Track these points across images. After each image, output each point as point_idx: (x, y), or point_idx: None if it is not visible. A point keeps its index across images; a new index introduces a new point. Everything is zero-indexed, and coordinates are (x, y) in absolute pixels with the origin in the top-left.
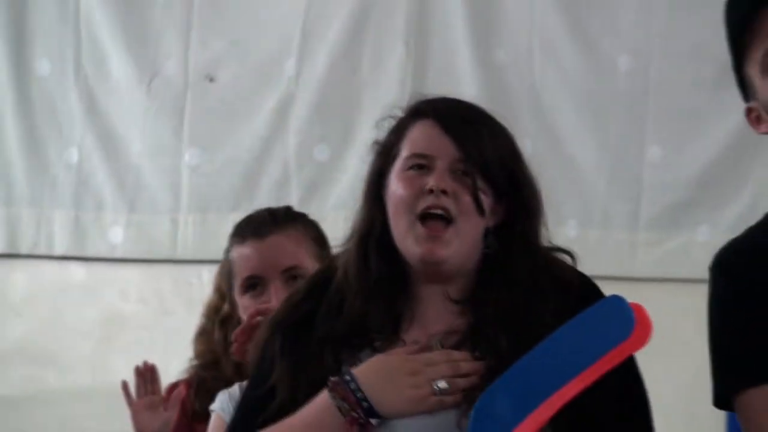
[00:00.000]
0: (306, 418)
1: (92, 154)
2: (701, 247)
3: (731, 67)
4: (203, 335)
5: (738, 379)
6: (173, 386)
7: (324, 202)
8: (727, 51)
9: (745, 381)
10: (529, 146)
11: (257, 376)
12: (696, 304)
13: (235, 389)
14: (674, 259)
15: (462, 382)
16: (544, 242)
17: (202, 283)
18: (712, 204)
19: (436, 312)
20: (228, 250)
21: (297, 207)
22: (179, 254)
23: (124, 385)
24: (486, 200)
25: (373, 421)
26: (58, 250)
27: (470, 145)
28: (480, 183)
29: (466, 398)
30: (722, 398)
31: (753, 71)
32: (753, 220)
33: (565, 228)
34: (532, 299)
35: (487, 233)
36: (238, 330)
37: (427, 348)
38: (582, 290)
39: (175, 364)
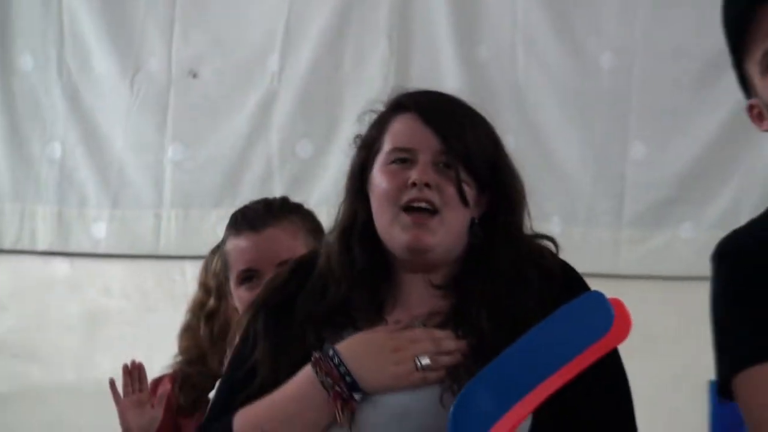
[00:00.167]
0: (288, 392)
1: (75, 149)
2: (685, 244)
3: (731, 64)
4: (188, 331)
5: (740, 358)
6: (157, 381)
7: (307, 198)
8: (709, 49)
9: (746, 359)
10: (512, 142)
11: (239, 357)
12: (679, 301)
13: None
14: (658, 256)
15: (445, 359)
16: (528, 231)
17: (185, 279)
18: (696, 201)
19: (418, 296)
20: (223, 241)
21: None
22: (162, 250)
23: (112, 383)
24: (469, 192)
25: (356, 396)
26: (42, 246)
27: (452, 138)
28: (463, 175)
29: (450, 375)
30: (726, 383)
31: (753, 70)
32: (736, 217)
33: (548, 225)
34: (515, 285)
35: (473, 224)
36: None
37: (409, 327)
38: (565, 278)
39: (158, 359)
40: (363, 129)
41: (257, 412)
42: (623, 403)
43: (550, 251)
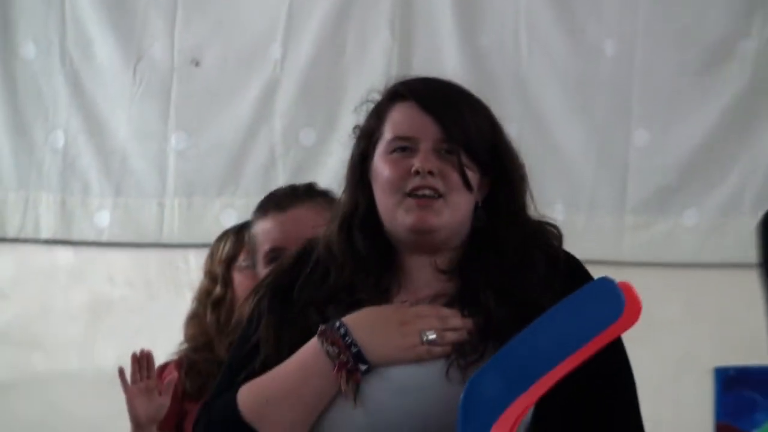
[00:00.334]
0: (294, 364)
1: (78, 137)
2: (688, 231)
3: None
4: (195, 319)
5: None
6: (162, 367)
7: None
8: (712, 35)
9: None
10: (514, 130)
11: (243, 336)
12: (683, 288)
13: None
14: (661, 243)
15: (451, 335)
16: (531, 213)
17: (189, 267)
18: (699, 188)
19: (424, 280)
20: (251, 227)
21: None
22: (165, 238)
23: (121, 371)
24: (472, 176)
25: (361, 366)
26: (45, 234)
27: (452, 124)
28: (465, 160)
29: (456, 350)
30: None
31: None
32: (740, 203)
33: (551, 212)
34: (520, 266)
35: (476, 208)
36: None
37: (416, 305)
38: (568, 265)
39: (162, 347)
40: (361, 119)
41: (262, 384)
42: (627, 392)
43: (556, 236)
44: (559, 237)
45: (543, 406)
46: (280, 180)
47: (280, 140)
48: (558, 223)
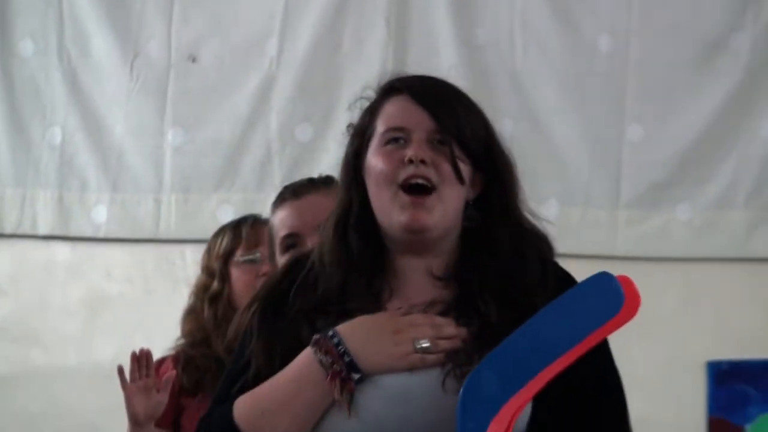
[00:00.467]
0: (288, 374)
1: (75, 134)
2: (681, 226)
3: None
4: (192, 314)
5: None
6: (160, 362)
7: None
8: (705, 31)
9: None
10: (509, 126)
11: (238, 351)
12: (676, 282)
13: None
14: (655, 237)
15: (444, 344)
16: (524, 212)
17: (185, 263)
18: (692, 183)
19: (417, 285)
20: (270, 219)
21: (278, 187)
22: (162, 234)
23: (120, 370)
24: (464, 168)
25: (354, 375)
26: (42, 230)
27: (445, 116)
28: (457, 152)
29: (451, 359)
30: None
31: None
32: (733, 198)
33: (545, 207)
34: (515, 267)
35: (467, 206)
36: None
37: (409, 313)
38: (557, 275)
39: (159, 342)
40: (355, 117)
41: (257, 395)
42: (615, 393)
43: (547, 245)
44: (550, 247)
45: (534, 407)
46: (277, 176)
47: (276, 136)
48: (552, 218)
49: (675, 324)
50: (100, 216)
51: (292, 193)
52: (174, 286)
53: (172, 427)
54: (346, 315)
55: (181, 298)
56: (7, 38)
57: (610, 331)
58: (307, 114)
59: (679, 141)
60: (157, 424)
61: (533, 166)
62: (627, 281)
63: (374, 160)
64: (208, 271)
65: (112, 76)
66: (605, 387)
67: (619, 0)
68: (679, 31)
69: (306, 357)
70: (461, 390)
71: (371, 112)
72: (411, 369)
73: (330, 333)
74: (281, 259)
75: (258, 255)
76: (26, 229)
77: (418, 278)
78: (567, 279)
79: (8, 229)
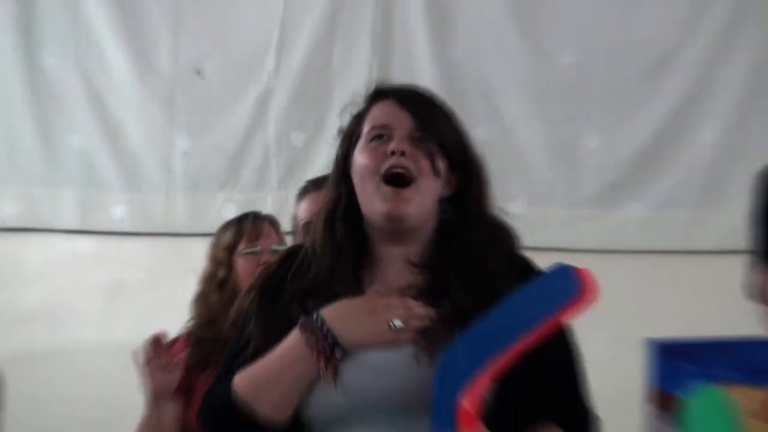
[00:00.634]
0: (279, 352)
1: (96, 140)
2: (634, 222)
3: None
4: (201, 299)
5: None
6: (173, 341)
7: (300, 183)
8: (656, 49)
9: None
10: (481, 133)
11: (238, 333)
12: (629, 273)
13: None
14: (610, 232)
15: (415, 323)
16: (493, 210)
17: (194, 254)
18: (643, 184)
19: (395, 272)
20: (295, 208)
21: (276, 187)
22: (174, 228)
23: (138, 352)
24: (441, 164)
25: (337, 352)
26: (68, 225)
27: (424, 118)
28: (434, 148)
29: (424, 337)
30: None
31: None
32: (680, 198)
33: (513, 205)
34: (484, 258)
35: (443, 201)
36: None
37: (386, 296)
38: (521, 264)
39: (171, 323)
40: (345, 123)
41: (253, 371)
42: (577, 366)
43: (513, 237)
44: (517, 239)
45: (505, 381)
46: (274, 177)
47: (273, 142)
48: (519, 215)
49: (626, 312)
50: (118, 213)
51: (313, 185)
52: (184, 275)
53: (184, 398)
54: (334, 297)
55: (190, 285)
56: (33, 52)
57: (569, 315)
58: (301, 122)
59: (632, 146)
60: (171, 398)
61: (502, 168)
62: (585, 272)
63: (360, 157)
64: (214, 261)
65: (127, 89)
66: (567, 361)
67: (579, 21)
68: (631, 48)
69: (294, 338)
70: (439, 363)
71: (358, 118)
72: (387, 346)
73: (315, 316)
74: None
75: (258, 247)
76: (53, 224)
77: (396, 265)
78: (530, 269)
79: (38, 225)
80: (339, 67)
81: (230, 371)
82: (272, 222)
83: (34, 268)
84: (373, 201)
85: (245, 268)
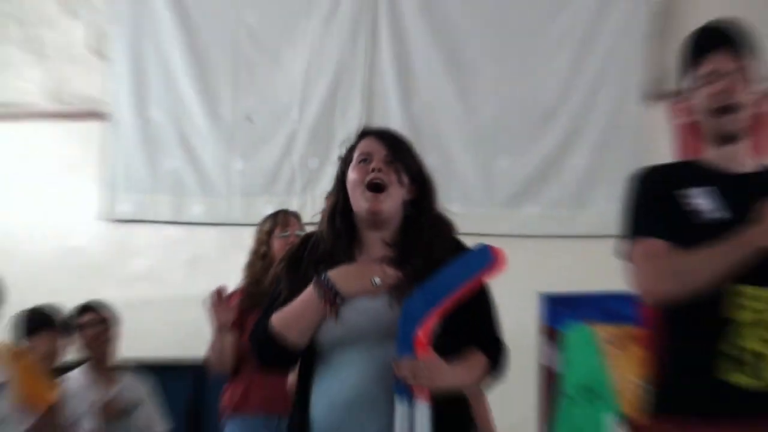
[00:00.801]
0: (300, 299)
1: (183, 163)
2: (532, 217)
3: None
4: (250, 266)
5: (633, 233)
6: (232, 294)
7: (315, 192)
8: (545, 98)
9: (635, 234)
10: (431, 160)
11: (274, 289)
12: (528, 251)
13: None
14: (517, 223)
15: (388, 281)
16: (440, 209)
17: (245, 238)
18: (538, 191)
19: (375, 248)
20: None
21: (299, 196)
22: (233, 220)
23: (209, 297)
24: (404, 178)
25: (338, 299)
26: (164, 218)
27: (394, 148)
28: (400, 168)
29: (393, 289)
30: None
31: None
32: (563, 201)
33: (452, 206)
34: (433, 240)
35: (406, 203)
36: None
37: (369, 263)
38: (458, 244)
39: (232, 281)
40: (343, 151)
41: (284, 312)
42: (492, 311)
43: (453, 227)
44: (454, 228)
45: (447, 320)
46: (298, 188)
47: (297, 165)
48: (456, 214)
49: (527, 274)
50: (197, 210)
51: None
52: (240, 252)
53: (238, 331)
54: (335, 264)
55: (243, 258)
56: (143, 106)
57: (487, 277)
58: (316, 152)
59: (530, 166)
60: (229, 330)
61: (445, 183)
62: (498, 250)
63: (351, 174)
64: (258, 241)
65: (202, 129)
66: (486, 308)
67: (495, 85)
68: (529, 102)
69: (310, 291)
70: (403, 307)
71: (350, 150)
72: (372, 295)
73: (323, 276)
74: None
75: (287, 233)
76: (155, 217)
77: (376, 244)
78: (463, 247)
79: (145, 218)
80: (340, 117)
81: (269, 313)
82: (296, 216)
83: (141, 246)
84: (360, 202)
85: (279, 246)
